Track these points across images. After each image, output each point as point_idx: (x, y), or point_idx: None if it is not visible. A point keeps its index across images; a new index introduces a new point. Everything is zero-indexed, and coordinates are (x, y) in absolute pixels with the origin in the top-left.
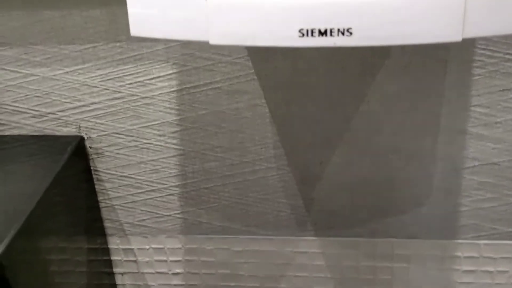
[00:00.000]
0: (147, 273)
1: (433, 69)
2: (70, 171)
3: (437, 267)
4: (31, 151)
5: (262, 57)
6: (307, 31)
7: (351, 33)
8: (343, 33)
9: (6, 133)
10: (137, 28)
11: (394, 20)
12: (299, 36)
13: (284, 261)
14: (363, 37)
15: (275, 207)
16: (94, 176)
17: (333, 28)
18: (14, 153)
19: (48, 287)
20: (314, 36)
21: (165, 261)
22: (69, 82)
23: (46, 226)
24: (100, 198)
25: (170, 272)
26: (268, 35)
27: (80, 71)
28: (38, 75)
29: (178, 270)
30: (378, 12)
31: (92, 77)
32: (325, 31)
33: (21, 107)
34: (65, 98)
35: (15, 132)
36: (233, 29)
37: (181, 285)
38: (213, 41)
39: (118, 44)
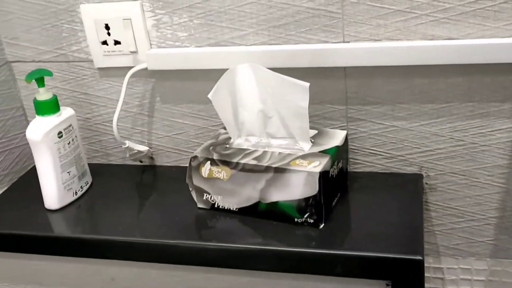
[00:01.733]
0: None
1: None
2: (406, 200)
3: None
4: (379, 185)
5: None
6: None
7: None
8: None
9: (360, 170)
10: None
11: None
12: None
13: None
14: None
15: None
16: (424, 206)
17: None
18: (362, 185)
19: None
20: None
21: (469, 279)
22: (422, 132)
23: None
24: (425, 224)
25: None
26: None
27: (433, 124)
28: (397, 127)
29: None
30: None
31: (442, 128)
32: None
33: (377, 150)
34: (415, 145)
35: (367, 169)
36: None
37: None
38: None
39: (470, 103)
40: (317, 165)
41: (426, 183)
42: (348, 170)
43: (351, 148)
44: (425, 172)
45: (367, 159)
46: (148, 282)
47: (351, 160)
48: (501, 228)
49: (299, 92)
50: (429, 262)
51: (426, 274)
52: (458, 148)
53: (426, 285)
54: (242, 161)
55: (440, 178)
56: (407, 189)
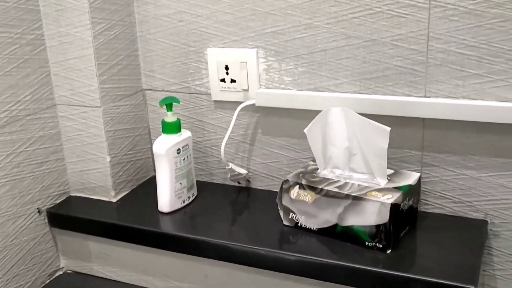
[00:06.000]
0: None
1: None
2: (469, 242)
3: None
4: (445, 225)
5: None
6: None
7: None
8: None
9: (430, 210)
10: None
11: None
12: None
13: None
14: None
15: None
16: (485, 251)
17: None
18: (430, 224)
19: None
20: None
21: None
22: (489, 182)
23: None
24: (486, 267)
25: None
26: None
27: (501, 176)
28: (467, 175)
29: None
30: None
31: (509, 181)
32: None
33: (447, 195)
34: (482, 193)
35: (436, 211)
36: None
37: None
38: None
39: None
40: (390, 198)
41: (491, 229)
42: (419, 209)
43: (423, 190)
44: (490, 219)
45: (437, 201)
46: (236, 282)
47: (422, 200)
48: None
49: (380, 135)
50: None
51: None
52: None
53: None
54: (326, 188)
55: (505, 226)
56: (471, 233)
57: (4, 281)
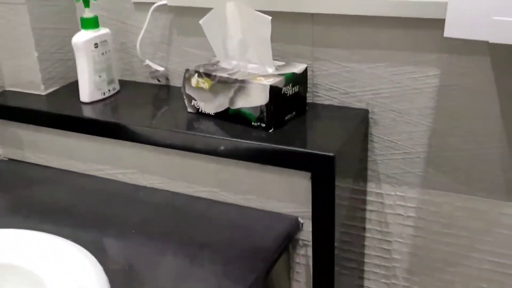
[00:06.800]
0: (388, 213)
1: None
2: (357, 132)
3: None
4: (332, 114)
5: None
6: None
7: None
8: None
9: (320, 102)
10: None
11: None
12: None
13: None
14: None
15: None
16: (369, 138)
17: None
18: (318, 112)
19: None
20: None
21: (403, 206)
22: (370, 74)
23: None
24: (369, 153)
25: (405, 215)
26: None
27: (379, 67)
28: (352, 68)
29: (411, 214)
30: None
31: (385, 71)
32: None
33: (335, 87)
34: (364, 84)
35: (326, 102)
36: None
37: (410, 226)
38: None
39: (407, 52)
40: (271, 81)
41: (371, 118)
42: (312, 101)
43: (316, 83)
44: (371, 108)
45: (327, 93)
46: (145, 162)
47: (315, 92)
48: (429, 162)
49: (263, 24)
50: (372, 187)
51: (368, 198)
52: (397, 89)
53: (368, 207)
54: (219, 74)
55: (382, 114)
56: (355, 121)
57: None
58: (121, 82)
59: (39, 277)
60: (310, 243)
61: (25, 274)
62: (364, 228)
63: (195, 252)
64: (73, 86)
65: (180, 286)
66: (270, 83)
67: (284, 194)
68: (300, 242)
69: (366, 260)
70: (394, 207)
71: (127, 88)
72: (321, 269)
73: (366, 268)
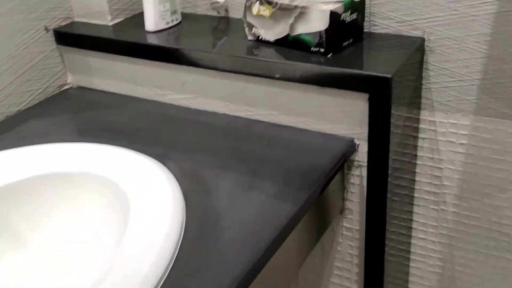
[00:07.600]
0: (440, 140)
1: None
2: (412, 60)
3: None
4: (388, 43)
5: None
6: None
7: None
8: None
9: (378, 31)
10: None
11: None
12: None
13: None
14: None
15: None
16: (424, 66)
17: None
18: (375, 40)
19: None
20: None
21: (455, 133)
22: (426, 1)
23: (397, 89)
24: (423, 81)
25: (457, 142)
26: None
27: None
28: None
29: (463, 141)
30: None
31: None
32: None
33: (392, 15)
34: (420, 12)
35: (383, 31)
36: None
37: (462, 152)
38: None
39: None
40: (330, 7)
41: (427, 46)
42: (369, 31)
43: (373, 12)
44: (427, 36)
45: (384, 22)
46: (208, 87)
47: (372, 21)
48: (483, 89)
49: None
50: (425, 115)
51: (421, 126)
52: (453, 16)
53: (421, 135)
54: (280, 1)
55: (438, 41)
56: (410, 49)
57: (18, 83)
58: (182, 15)
59: (118, 185)
60: (365, 164)
61: (102, 181)
62: (416, 156)
63: (255, 167)
64: (137, 18)
65: (243, 194)
66: (330, 9)
67: (340, 116)
68: (355, 163)
69: (416, 187)
70: (447, 135)
71: (188, 19)
72: (375, 189)
73: (416, 195)
